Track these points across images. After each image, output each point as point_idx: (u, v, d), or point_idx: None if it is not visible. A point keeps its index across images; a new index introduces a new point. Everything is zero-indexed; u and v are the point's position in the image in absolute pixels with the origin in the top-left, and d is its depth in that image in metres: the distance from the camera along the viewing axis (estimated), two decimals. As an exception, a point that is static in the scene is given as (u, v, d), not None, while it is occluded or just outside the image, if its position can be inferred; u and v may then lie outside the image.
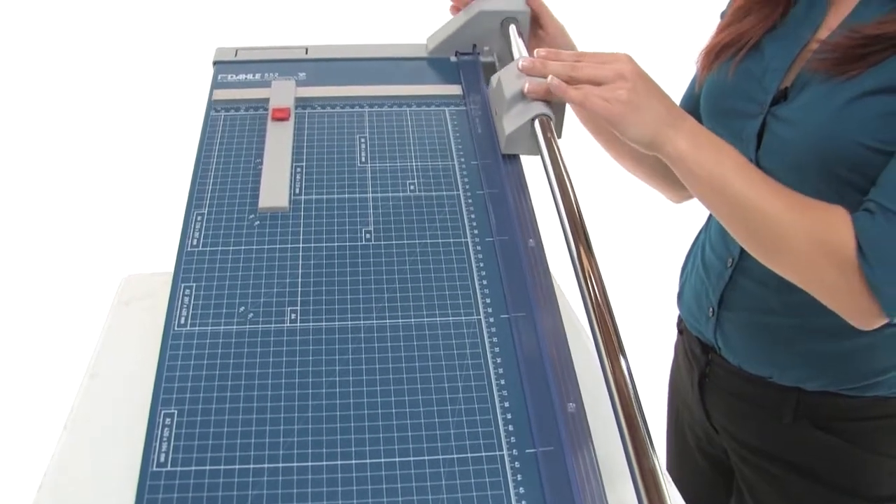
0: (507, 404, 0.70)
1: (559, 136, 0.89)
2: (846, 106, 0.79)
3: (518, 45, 0.97)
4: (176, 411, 0.68)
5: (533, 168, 0.88)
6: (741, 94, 0.91)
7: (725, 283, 0.97)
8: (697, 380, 1.05)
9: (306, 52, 1.06)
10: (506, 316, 0.77)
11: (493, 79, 0.93)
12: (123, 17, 3.94)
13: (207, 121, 0.95)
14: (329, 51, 1.06)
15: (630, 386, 0.63)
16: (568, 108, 0.90)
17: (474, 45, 1.07)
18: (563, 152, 0.83)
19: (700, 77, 0.99)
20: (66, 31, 3.85)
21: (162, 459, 0.65)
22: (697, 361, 1.05)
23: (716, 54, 0.94)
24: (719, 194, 0.79)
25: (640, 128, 0.79)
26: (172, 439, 0.66)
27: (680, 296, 1.09)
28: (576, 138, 1.04)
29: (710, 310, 0.99)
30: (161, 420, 0.67)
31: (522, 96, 0.87)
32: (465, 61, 1.06)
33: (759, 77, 0.89)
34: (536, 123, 0.86)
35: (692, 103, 1.03)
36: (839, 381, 0.92)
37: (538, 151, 0.84)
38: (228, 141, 0.93)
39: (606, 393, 0.65)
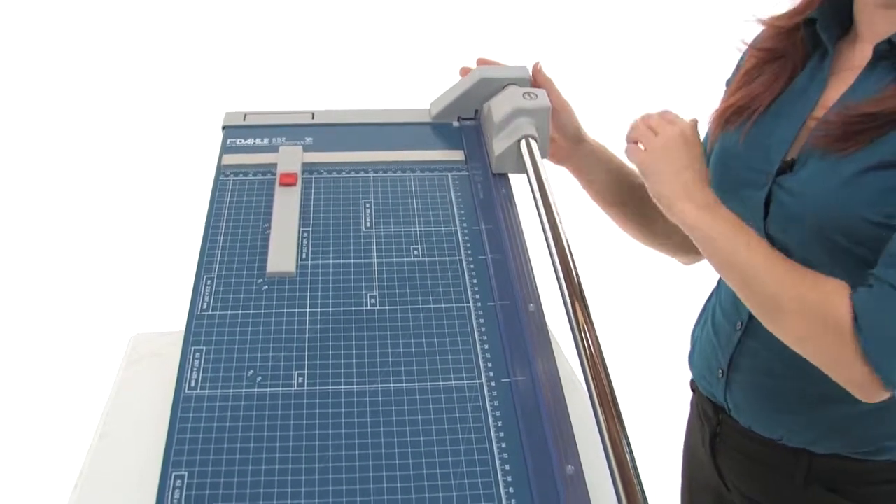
0: (507, 467, 0.72)
1: (544, 157, 1.00)
2: (849, 181, 0.80)
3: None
4: (186, 473, 0.70)
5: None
6: (748, 164, 0.92)
7: (734, 346, 0.98)
8: (709, 439, 1.06)
9: (313, 117, 1.09)
10: (507, 380, 0.79)
11: (485, 107, 1.06)
12: (135, 79, 4.01)
13: (217, 185, 0.98)
14: (335, 115, 1.10)
15: (625, 443, 0.66)
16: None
17: (476, 111, 1.10)
18: (548, 171, 0.94)
19: (711, 138, 1.01)
20: (77, 95, 3.91)
21: (173, 522, 0.67)
22: (709, 421, 1.06)
23: (727, 118, 0.97)
24: (726, 262, 0.85)
25: (664, 186, 0.88)
26: (183, 501, 0.68)
27: (691, 357, 1.10)
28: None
29: (720, 371, 1.00)
30: (172, 482, 0.69)
31: (509, 121, 1.00)
32: (466, 126, 1.10)
33: (765, 148, 0.91)
34: (523, 144, 0.98)
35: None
36: (849, 445, 0.92)
37: (525, 170, 0.96)
38: (237, 205, 0.96)
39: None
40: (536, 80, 1.06)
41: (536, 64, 1.06)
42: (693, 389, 1.12)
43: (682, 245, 1.10)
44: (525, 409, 0.77)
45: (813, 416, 0.93)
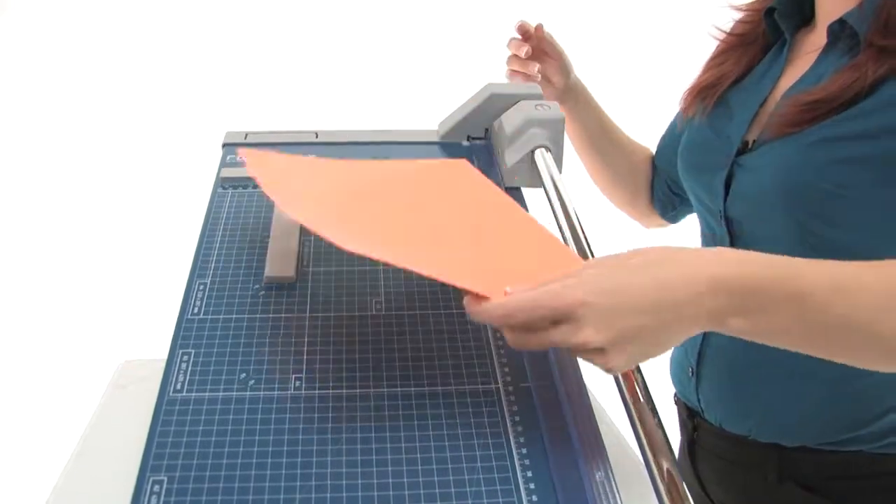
0: (529, 473, 0.64)
1: (559, 170, 0.94)
2: (803, 150, 0.81)
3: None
4: (166, 478, 0.62)
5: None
6: (710, 148, 0.94)
7: (700, 340, 0.96)
8: (687, 448, 1.03)
9: (316, 136, 1.05)
10: (526, 384, 0.72)
11: (495, 123, 1.01)
12: (131, 101, 3.91)
13: (214, 197, 0.93)
14: (339, 135, 1.05)
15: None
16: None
17: (486, 130, 1.06)
18: (565, 183, 0.88)
19: (683, 116, 1.04)
20: (73, 115, 3.83)
21: (148, 529, 0.58)
22: (686, 428, 1.03)
23: (696, 94, 1.00)
24: (819, 334, 0.60)
25: (673, 342, 0.60)
26: (161, 508, 0.60)
27: (670, 364, 1.08)
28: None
29: (690, 370, 0.98)
30: (149, 487, 0.61)
31: (522, 132, 0.95)
32: (477, 146, 1.05)
33: (726, 133, 0.92)
34: (537, 155, 0.93)
35: (674, 140, 1.09)
36: (816, 436, 0.88)
37: (539, 183, 0.91)
38: (235, 216, 0.90)
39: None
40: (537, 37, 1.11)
41: (539, 26, 1.12)
42: (676, 402, 1.08)
43: (645, 211, 1.20)
44: (547, 414, 0.69)
45: (778, 405, 0.90)
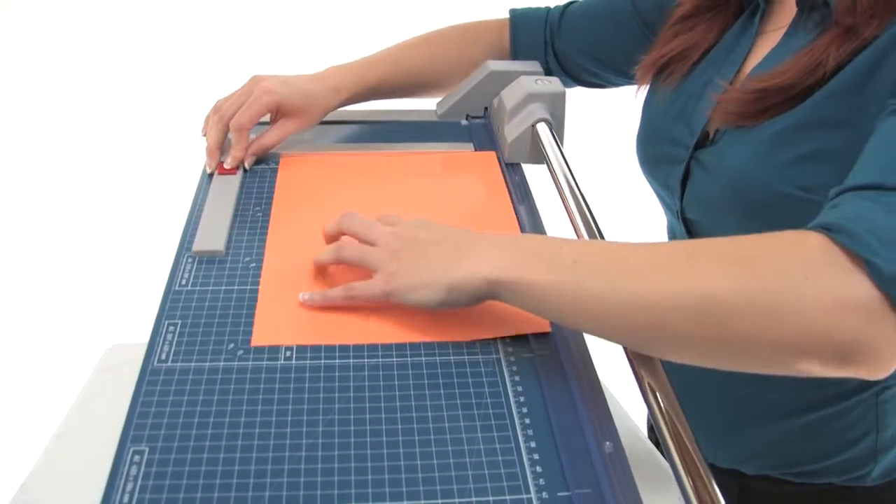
0: (533, 444, 0.60)
1: (561, 145, 0.90)
2: (758, 148, 0.69)
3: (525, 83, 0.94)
4: (147, 448, 0.58)
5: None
6: (668, 137, 0.82)
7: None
8: None
9: None
10: (529, 355, 0.68)
11: (495, 100, 0.98)
12: (125, 82, 3.87)
13: (205, 174, 0.90)
14: (333, 114, 1.02)
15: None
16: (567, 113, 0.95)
17: (485, 109, 1.03)
18: (568, 156, 0.84)
19: (639, 89, 0.90)
20: (62, 93, 3.77)
21: (126, 500, 0.55)
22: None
23: (658, 68, 0.85)
24: (608, 310, 0.58)
25: (427, 287, 0.66)
26: (140, 478, 0.56)
27: None
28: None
29: None
30: (129, 457, 0.58)
31: (522, 106, 0.92)
32: (476, 125, 1.03)
33: (688, 117, 0.79)
34: (538, 129, 0.90)
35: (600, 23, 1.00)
36: (779, 465, 0.80)
37: (541, 159, 0.89)
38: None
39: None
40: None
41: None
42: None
43: None
44: (551, 381, 0.65)
45: (737, 429, 0.81)
